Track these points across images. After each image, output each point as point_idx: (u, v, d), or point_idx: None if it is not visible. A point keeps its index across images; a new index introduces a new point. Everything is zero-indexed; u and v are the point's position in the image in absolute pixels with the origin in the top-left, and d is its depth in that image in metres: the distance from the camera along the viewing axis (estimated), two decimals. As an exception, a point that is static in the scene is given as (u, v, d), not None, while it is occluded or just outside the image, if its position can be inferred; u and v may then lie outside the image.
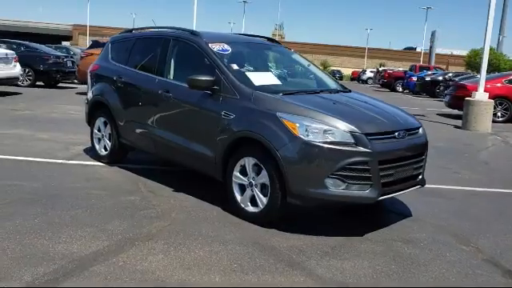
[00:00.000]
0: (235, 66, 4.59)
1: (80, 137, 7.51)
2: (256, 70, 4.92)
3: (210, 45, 4.76)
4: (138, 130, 5.35)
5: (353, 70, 66.64)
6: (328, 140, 3.74)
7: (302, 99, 4.30)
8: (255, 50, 5.43)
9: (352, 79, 59.15)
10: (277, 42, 5.79)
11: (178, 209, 4.41)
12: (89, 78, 6.33)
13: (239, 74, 4.52)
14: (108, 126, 5.83)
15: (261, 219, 4.05)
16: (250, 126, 4.09)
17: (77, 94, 14.79)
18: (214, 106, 4.40)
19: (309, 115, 3.89)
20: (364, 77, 50.74)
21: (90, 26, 61.47)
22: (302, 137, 3.76)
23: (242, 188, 4.21)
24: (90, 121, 6.18)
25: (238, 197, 4.22)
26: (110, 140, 5.85)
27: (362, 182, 3.77)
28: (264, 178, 3.98)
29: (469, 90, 13.34)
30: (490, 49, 47.72)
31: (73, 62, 16.63)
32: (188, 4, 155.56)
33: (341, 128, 3.80)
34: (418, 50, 74.08)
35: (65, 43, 37.24)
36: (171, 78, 5.05)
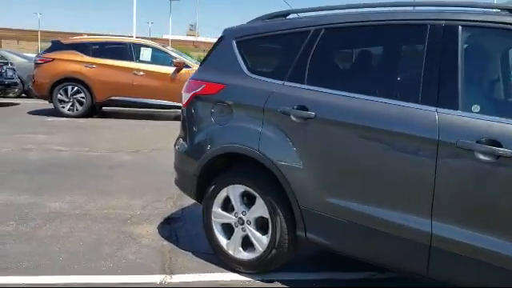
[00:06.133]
0: None
1: (120, 201, 4.46)
2: None
3: None
4: (374, 224, 2.48)
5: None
6: None
7: None
8: None
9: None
10: None
11: None
12: (188, 108, 3.29)
13: None
14: (259, 202, 2.90)
15: None
16: None
17: (29, 113, 10.91)
18: None
19: None
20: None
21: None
22: None
23: None
24: (202, 191, 3.18)
25: None
26: (256, 228, 2.95)
27: None
28: None
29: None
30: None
31: (14, 71, 12.64)
32: (99, 4, 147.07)
33: None
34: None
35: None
36: (476, 110, 2.28)
